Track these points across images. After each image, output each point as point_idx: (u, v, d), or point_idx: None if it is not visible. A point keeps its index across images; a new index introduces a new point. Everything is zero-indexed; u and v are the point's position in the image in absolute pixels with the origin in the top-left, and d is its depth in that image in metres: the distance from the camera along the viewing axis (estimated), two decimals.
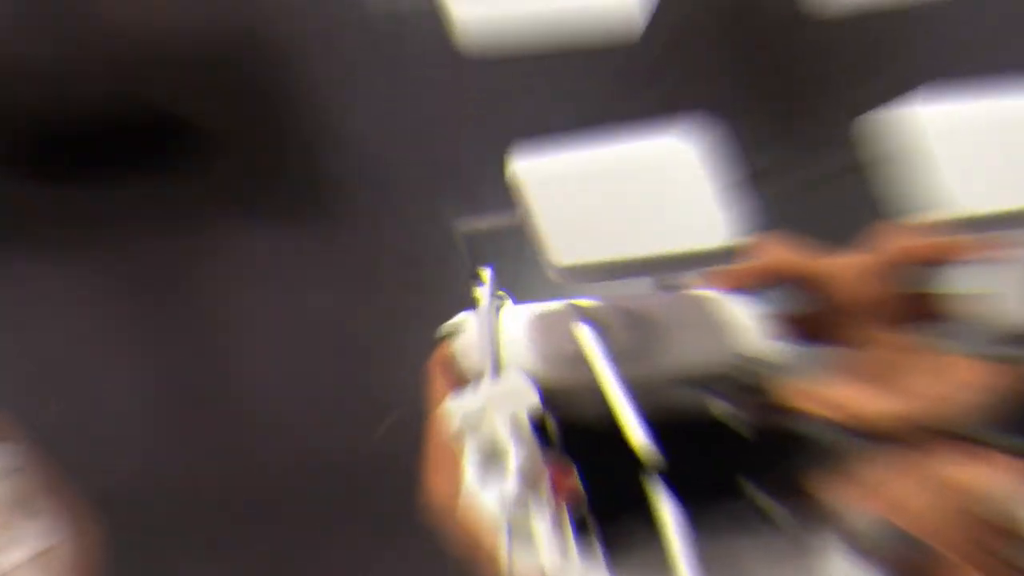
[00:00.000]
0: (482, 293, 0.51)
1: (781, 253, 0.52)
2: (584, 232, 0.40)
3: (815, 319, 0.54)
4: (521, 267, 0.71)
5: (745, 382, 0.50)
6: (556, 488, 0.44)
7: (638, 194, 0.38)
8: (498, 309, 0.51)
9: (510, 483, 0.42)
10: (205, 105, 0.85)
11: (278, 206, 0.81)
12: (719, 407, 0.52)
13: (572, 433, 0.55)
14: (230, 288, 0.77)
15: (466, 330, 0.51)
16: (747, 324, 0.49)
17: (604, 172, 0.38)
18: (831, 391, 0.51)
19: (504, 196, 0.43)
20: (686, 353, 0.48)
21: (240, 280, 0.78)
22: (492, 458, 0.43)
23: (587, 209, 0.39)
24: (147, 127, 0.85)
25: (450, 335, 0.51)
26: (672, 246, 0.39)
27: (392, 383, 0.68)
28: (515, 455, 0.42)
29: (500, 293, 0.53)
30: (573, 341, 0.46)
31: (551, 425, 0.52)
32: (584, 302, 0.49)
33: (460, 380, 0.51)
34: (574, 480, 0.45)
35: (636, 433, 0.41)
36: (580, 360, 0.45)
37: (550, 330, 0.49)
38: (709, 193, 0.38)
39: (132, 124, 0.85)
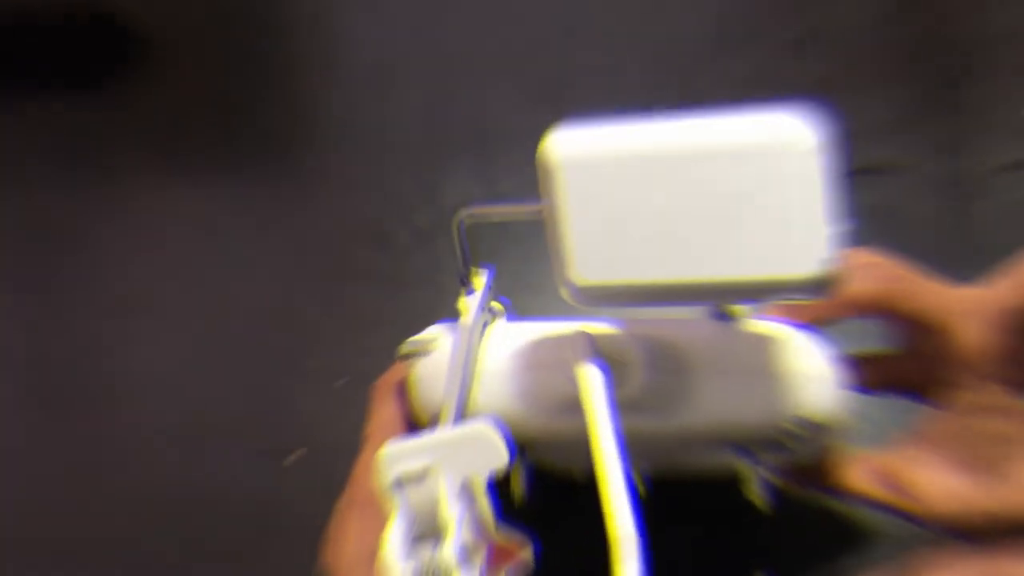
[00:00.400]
0: (470, 303, 0.41)
1: (882, 277, 0.41)
2: (626, 240, 0.30)
3: (907, 365, 0.44)
4: (531, 271, 0.60)
5: (794, 449, 0.39)
6: (497, 562, 0.34)
7: (712, 193, 0.28)
8: (486, 326, 0.42)
9: (443, 560, 0.32)
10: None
11: (216, 152, 0.71)
12: (747, 476, 0.41)
13: (546, 497, 0.45)
14: (130, 255, 0.67)
15: (436, 349, 0.41)
16: (817, 375, 0.38)
17: (672, 158, 0.28)
18: (906, 469, 0.40)
19: (527, 179, 0.34)
20: (724, 409, 0.38)
21: (145, 245, 0.67)
22: (426, 527, 0.33)
23: (637, 210, 0.29)
24: (43, 25, 0.76)
25: (413, 353, 0.41)
26: (745, 270, 0.29)
27: (325, 401, 0.60)
28: (457, 531, 0.32)
29: (496, 305, 0.43)
30: (573, 382, 0.36)
31: (519, 485, 0.43)
32: (601, 328, 0.39)
33: (414, 414, 0.41)
34: (525, 554, 0.36)
35: (620, 517, 0.31)
36: (576, 408, 0.35)
37: (547, 363, 0.39)
38: (815, 199, 0.28)
39: (23, 21, 0.76)
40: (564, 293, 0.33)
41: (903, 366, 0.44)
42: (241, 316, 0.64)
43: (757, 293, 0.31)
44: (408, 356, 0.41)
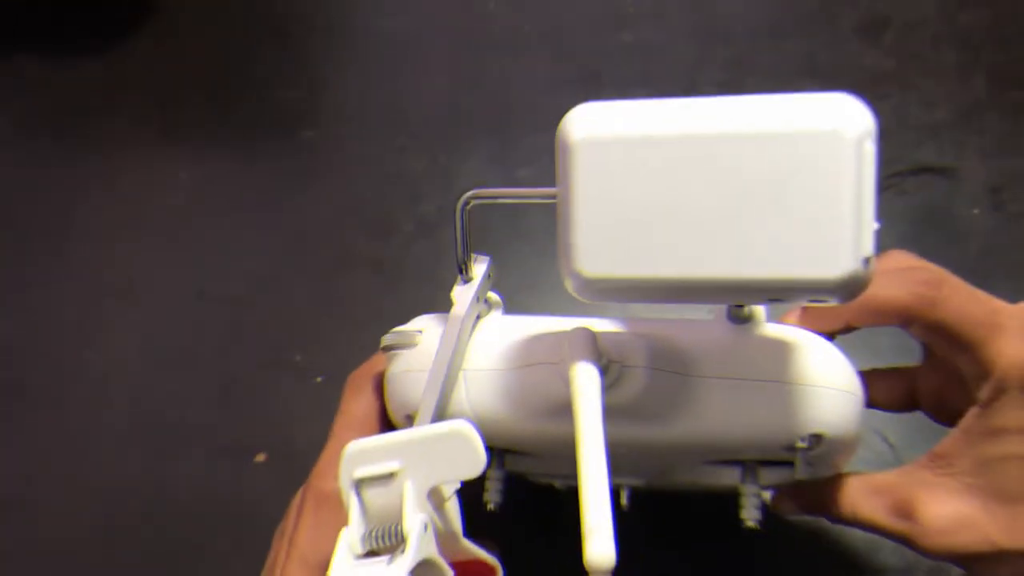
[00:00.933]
0: (461, 294, 0.38)
1: (915, 281, 0.37)
2: (641, 230, 0.27)
3: (928, 381, 0.42)
4: (539, 270, 0.57)
5: (799, 468, 0.35)
6: None
7: (743, 180, 0.26)
8: (478, 319, 0.39)
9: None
10: None
11: (213, 126, 0.67)
12: (742, 492, 0.38)
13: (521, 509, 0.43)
14: (112, 234, 0.63)
15: (420, 342, 0.38)
16: (835, 388, 0.35)
17: (701, 139, 0.26)
18: (917, 494, 0.38)
19: (550, 168, 0.31)
20: (729, 420, 0.35)
21: (129, 224, 0.64)
22: (384, 538, 0.30)
23: (657, 197, 0.27)
24: None
25: (396, 345, 0.39)
26: (770, 269, 0.27)
27: (309, 398, 0.57)
28: (414, 547, 0.29)
29: (491, 297, 0.40)
30: (567, 382, 0.33)
31: (493, 494, 0.40)
32: (602, 325, 0.36)
33: (389, 411, 0.39)
34: None
35: (597, 536, 0.28)
36: (568, 412, 0.32)
37: (540, 360, 0.36)
38: (856, 192, 0.26)
39: None
40: (568, 285, 0.31)
41: (924, 382, 0.42)
42: (227, 305, 0.62)
43: (779, 293, 0.29)
44: (390, 348, 0.38)
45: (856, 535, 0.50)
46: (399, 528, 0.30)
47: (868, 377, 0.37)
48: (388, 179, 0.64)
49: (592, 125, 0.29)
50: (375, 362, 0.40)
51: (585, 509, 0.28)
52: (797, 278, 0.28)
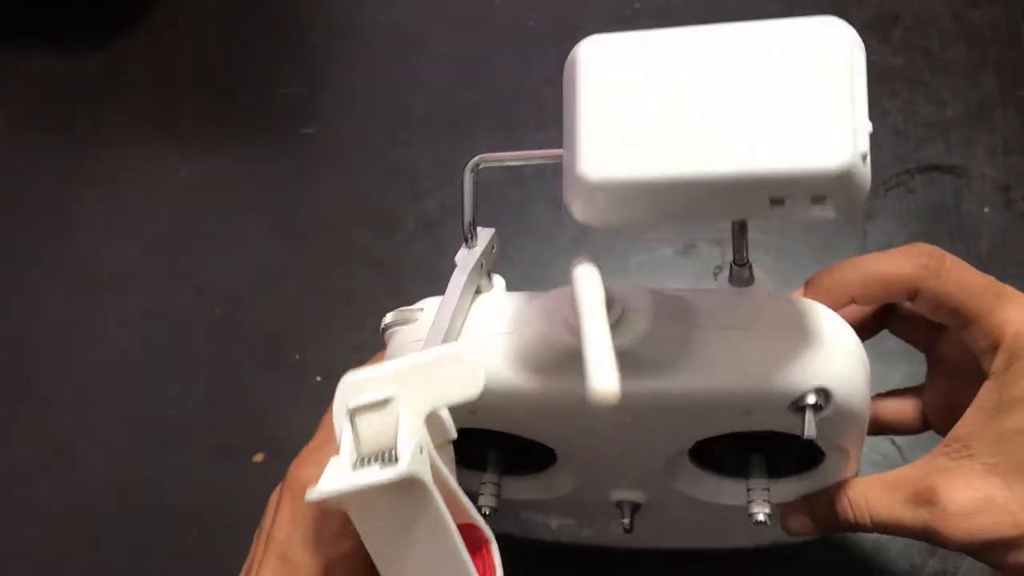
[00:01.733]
0: (464, 258, 0.39)
1: (919, 253, 0.38)
2: (645, 135, 0.28)
3: (941, 388, 0.43)
4: (540, 257, 0.58)
5: (808, 427, 0.35)
6: None
7: (741, 86, 0.27)
8: (478, 292, 0.40)
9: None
10: None
11: (213, 121, 0.68)
12: (751, 490, 0.39)
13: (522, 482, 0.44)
14: (110, 229, 0.63)
15: (419, 319, 0.39)
16: (841, 343, 0.36)
17: (700, 48, 0.28)
18: (936, 479, 0.37)
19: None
20: (733, 368, 0.35)
21: (127, 220, 0.64)
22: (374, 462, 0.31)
23: (659, 103, 0.28)
24: None
25: (395, 323, 0.39)
26: (770, 163, 0.27)
27: (308, 398, 0.57)
28: (407, 458, 0.29)
29: (496, 276, 0.41)
30: (572, 332, 0.33)
31: (486, 504, 0.41)
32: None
33: None
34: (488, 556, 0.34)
35: (599, 368, 0.28)
36: (575, 364, 0.32)
37: (544, 313, 0.36)
38: (848, 94, 0.27)
39: None
40: (576, 207, 0.31)
41: (931, 395, 0.43)
42: (225, 303, 0.62)
43: (781, 189, 0.30)
44: (390, 326, 0.39)
45: (861, 538, 0.50)
46: (392, 452, 0.30)
47: (875, 401, 0.38)
48: (390, 176, 0.65)
49: (597, 47, 0.31)
50: (376, 359, 0.41)
51: (586, 347, 0.28)
52: (798, 169, 0.29)
